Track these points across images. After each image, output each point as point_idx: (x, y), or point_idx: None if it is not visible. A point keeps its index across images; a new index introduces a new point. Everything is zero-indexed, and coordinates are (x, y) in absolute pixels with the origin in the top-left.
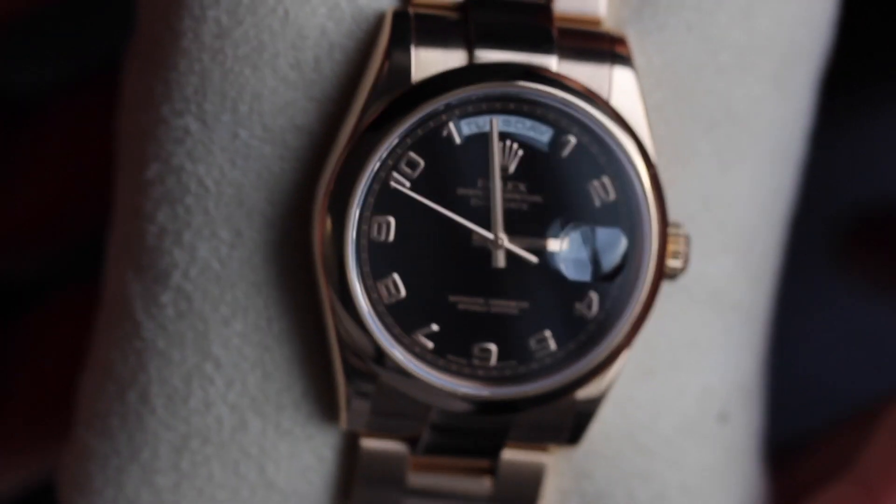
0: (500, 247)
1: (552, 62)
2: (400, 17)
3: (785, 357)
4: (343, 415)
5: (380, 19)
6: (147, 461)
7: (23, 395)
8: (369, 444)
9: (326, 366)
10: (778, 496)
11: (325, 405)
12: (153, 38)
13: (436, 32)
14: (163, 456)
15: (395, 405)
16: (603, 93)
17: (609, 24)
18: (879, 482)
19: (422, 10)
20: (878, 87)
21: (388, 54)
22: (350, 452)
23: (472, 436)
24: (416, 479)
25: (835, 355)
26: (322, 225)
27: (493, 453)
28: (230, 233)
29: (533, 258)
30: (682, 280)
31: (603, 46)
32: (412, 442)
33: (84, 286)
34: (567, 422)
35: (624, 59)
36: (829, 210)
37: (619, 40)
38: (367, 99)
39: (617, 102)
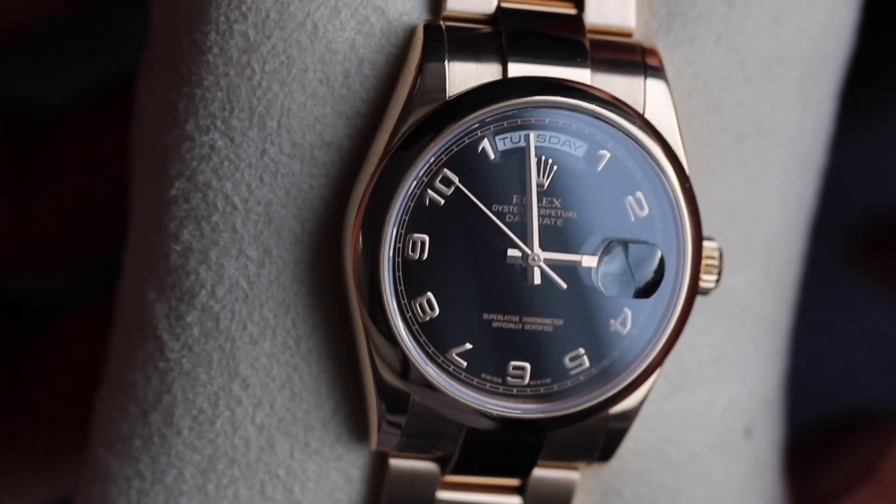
0: (536, 264)
1: (586, 74)
2: (432, 30)
3: (798, 359)
4: (374, 435)
5: (410, 33)
6: (172, 484)
7: (39, 412)
8: (398, 463)
9: (355, 385)
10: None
11: (353, 425)
12: (173, 51)
13: (468, 45)
14: (188, 478)
15: (427, 425)
16: (637, 105)
17: (638, 36)
18: None
19: (453, 24)
20: (890, 89)
21: (421, 68)
22: (378, 472)
23: (505, 455)
24: (445, 497)
25: (846, 356)
26: (355, 243)
27: (524, 472)
28: (258, 251)
29: (562, 284)
30: (711, 294)
31: (636, 58)
32: (442, 461)
33: (101, 303)
34: (599, 440)
35: (657, 71)
36: (838, 212)
37: (651, 52)
38: (400, 114)
39: (651, 115)
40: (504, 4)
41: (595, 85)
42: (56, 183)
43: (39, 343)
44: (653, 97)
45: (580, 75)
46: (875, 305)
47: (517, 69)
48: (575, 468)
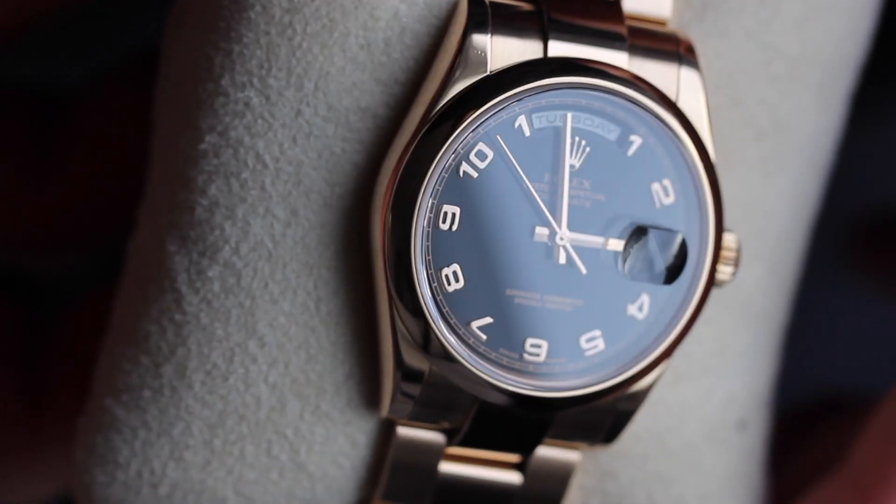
0: (563, 244)
1: (623, 58)
2: (476, 3)
3: (793, 356)
4: (386, 403)
5: (453, 6)
6: (178, 437)
7: (57, 395)
8: (406, 432)
9: (371, 351)
10: (771, 492)
11: (365, 391)
12: (210, 6)
13: (511, 21)
14: (196, 432)
15: (441, 396)
16: (671, 92)
17: (672, 25)
18: (871, 482)
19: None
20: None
21: (463, 40)
22: (384, 439)
23: (513, 430)
24: (446, 469)
25: (841, 353)
26: (385, 210)
27: (529, 449)
28: (286, 211)
29: (583, 269)
30: (723, 286)
31: (671, 47)
32: (448, 432)
33: (116, 285)
34: (606, 422)
35: (691, 61)
36: (833, 209)
37: (685, 42)
38: (440, 85)
39: (684, 103)
40: None
41: (632, 69)
42: (72, 164)
43: (55, 325)
44: (686, 85)
45: (618, 59)
46: (870, 302)
47: (557, 48)
48: (576, 448)
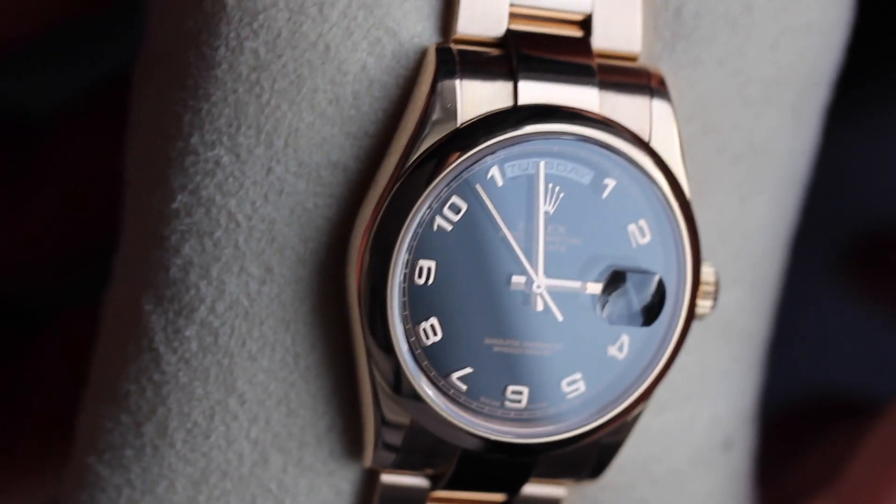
0: (540, 291)
1: (594, 94)
2: (444, 52)
3: (782, 364)
4: (369, 454)
5: (421, 56)
6: (162, 494)
7: (35, 415)
8: (390, 479)
9: (352, 402)
10: None
11: (347, 441)
12: (178, 63)
13: (480, 66)
14: (180, 490)
15: (423, 445)
16: (644, 127)
17: (643, 58)
18: (864, 501)
19: (464, 46)
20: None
21: (433, 88)
22: (368, 486)
23: (497, 473)
24: None
25: (830, 360)
26: (360, 265)
27: (515, 489)
28: (260, 269)
29: (559, 316)
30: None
31: (642, 81)
32: (433, 477)
33: (91, 307)
34: (591, 458)
35: (662, 93)
36: (820, 221)
37: (656, 75)
38: (411, 136)
39: (657, 137)
40: (513, 27)
41: (603, 105)
42: (47, 188)
43: (34, 345)
44: (658, 119)
45: (589, 96)
46: (860, 310)
47: (528, 88)
48: (563, 483)
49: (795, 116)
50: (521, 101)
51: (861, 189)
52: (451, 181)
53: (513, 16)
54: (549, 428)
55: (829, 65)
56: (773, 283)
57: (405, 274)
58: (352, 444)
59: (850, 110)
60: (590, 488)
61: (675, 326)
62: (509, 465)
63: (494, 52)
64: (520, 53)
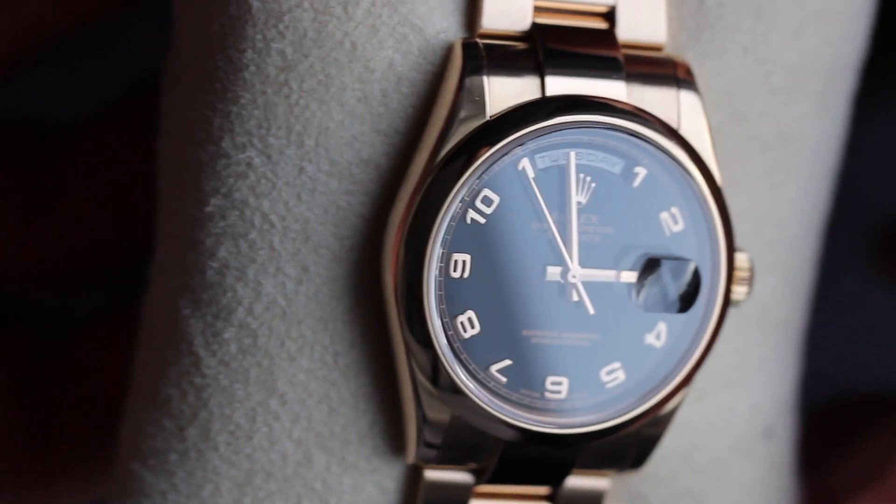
0: (575, 282)
1: (621, 87)
2: (470, 46)
3: (819, 357)
4: (411, 449)
5: (447, 51)
6: (208, 498)
7: (68, 421)
8: (433, 475)
9: (393, 398)
10: (805, 499)
11: (390, 437)
12: (205, 67)
13: (507, 60)
14: (225, 493)
15: (466, 439)
16: (672, 117)
17: (668, 49)
18: None
19: (490, 41)
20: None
21: (461, 83)
22: (412, 483)
23: (540, 466)
24: None
25: (858, 351)
26: (396, 261)
27: (558, 481)
28: (296, 269)
29: (591, 309)
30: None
31: (668, 71)
32: (476, 471)
33: (121, 315)
34: (632, 449)
35: (690, 84)
36: (847, 209)
37: (683, 65)
38: (441, 131)
39: (685, 127)
40: (538, 20)
41: (630, 97)
42: (73, 196)
43: (62, 357)
44: (686, 109)
45: (616, 88)
46: (883, 302)
47: (555, 82)
48: (605, 475)
49: (822, 104)
50: (549, 94)
51: (890, 176)
52: (483, 174)
53: (537, 9)
54: (591, 417)
55: (854, 51)
56: (807, 271)
57: (440, 268)
58: (394, 440)
59: (877, 97)
60: (632, 479)
61: (712, 313)
62: (552, 457)
63: (520, 45)
64: (546, 47)
